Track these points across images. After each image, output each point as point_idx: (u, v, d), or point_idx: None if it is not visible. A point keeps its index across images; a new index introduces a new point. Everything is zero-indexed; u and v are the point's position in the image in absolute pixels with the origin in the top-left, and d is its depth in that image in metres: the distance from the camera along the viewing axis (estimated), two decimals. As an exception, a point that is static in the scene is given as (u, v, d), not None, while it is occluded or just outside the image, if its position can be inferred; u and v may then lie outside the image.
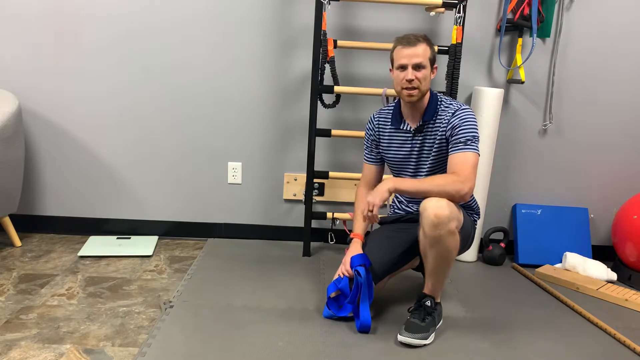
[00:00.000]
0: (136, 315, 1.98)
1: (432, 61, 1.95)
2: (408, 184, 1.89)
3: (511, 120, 2.75)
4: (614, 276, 2.58)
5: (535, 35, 2.54)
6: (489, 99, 2.54)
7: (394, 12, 2.60)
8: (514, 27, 2.60)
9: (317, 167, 2.68)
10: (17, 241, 2.59)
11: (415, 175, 2.05)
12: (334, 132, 2.55)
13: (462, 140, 1.89)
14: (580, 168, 2.82)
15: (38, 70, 2.62)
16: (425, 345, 1.86)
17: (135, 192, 2.78)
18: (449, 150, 1.94)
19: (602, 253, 2.86)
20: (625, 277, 2.59)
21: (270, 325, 1.94)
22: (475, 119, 1.93)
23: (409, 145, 2.04)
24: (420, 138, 2.01)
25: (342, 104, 2.63)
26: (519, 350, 1.89)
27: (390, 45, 2.45)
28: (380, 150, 2.13)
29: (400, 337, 1.86)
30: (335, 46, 2.43)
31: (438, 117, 1.97)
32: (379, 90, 2.46)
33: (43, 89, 2.64)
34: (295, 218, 2.84)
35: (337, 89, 2.47)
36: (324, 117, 2.68)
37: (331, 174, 2.59)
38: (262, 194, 2.81)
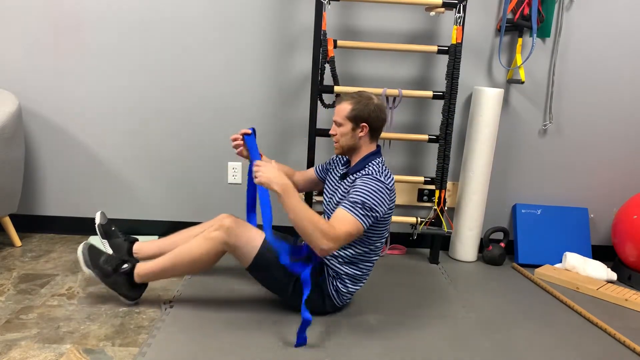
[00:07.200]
0: (136, 315, 1.98)
1: (354, 119, 1.93)
2: (293, 201, 1.77)
3: (511, 120, 2.75)
4: (614, 276, 2.59)
5: (535, 35, 2.54)
6: (489, 99, 2.54)
7: (394, 12, 2.60)
8: (514, 27, 2.60)
9: (317, 167, 2.68)
10: (17, 241, 2.59)
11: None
12: (334, 132, 2.55)
13: (351, 200, 1.83)
14: (580, 168, 2.82)
15: (38, 70, 2.62)
16: (83, 271, 1.98)
17: (136, 192, 2.79)
18: (340, 202, 1.93)
19: (602, 253, 2.86)
20: (625, 277, 2.59)
21: (270, 325, 1.94)
22: (376, 190, 1.85)
23: (334, 187, 2.09)
24: (340, 184, 2.03)
25: (342, 104, 2.63)
26: (519, 350, 1.89)
27: (390, 45, 2.48)
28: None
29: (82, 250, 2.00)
30: (335, 46, 2.43)
31: (356, 175, 1.95)
32: (379, 90, 2.46)
33: (43, 89, 2.64)
34: (295, 218, 2.83)
35: (337, 89, 2.47)
36: (324, 117, 2.67)
37: (331, 174, 2.59)
38: (262, 194, 2.81)
